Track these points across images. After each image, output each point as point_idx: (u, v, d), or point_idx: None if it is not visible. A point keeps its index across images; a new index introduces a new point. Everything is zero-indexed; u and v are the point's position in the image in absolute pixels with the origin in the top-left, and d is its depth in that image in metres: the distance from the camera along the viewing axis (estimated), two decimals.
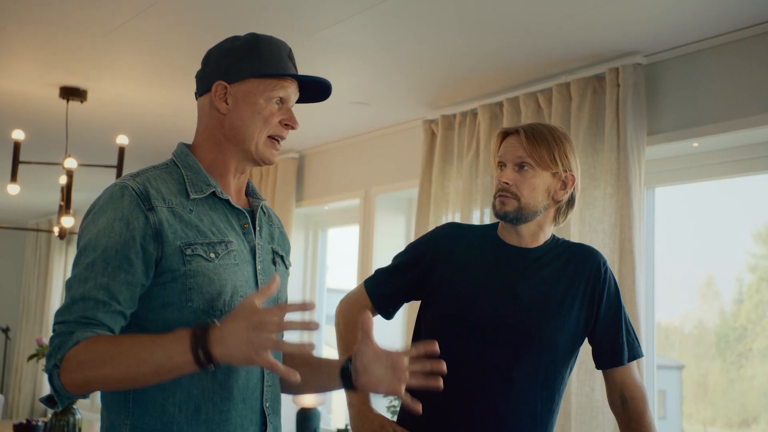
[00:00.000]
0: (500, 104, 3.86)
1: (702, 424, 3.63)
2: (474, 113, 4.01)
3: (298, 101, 1.68)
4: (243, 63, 1.58)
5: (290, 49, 1.67)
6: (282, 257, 1.70)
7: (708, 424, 3.59)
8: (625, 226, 3.19)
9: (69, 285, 1.48)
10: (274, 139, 1.61)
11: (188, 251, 1.49)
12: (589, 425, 3.21)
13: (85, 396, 1.46)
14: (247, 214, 1.62)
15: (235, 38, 1.62)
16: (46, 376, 1.46)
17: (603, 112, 3.40)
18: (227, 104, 1.58)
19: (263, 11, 3.12)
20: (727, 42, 3.09)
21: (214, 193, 1.58)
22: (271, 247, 1.67)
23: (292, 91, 1.63)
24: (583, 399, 3.24)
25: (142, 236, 1.47)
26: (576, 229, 3.37)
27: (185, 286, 1.49)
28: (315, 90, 1.69)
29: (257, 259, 1.60)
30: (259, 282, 1.59)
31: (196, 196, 1.55)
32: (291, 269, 1.86)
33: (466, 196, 3.93)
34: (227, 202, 1.59)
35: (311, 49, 3.47)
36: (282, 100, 1.61)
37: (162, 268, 1.49)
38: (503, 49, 3.38)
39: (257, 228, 1.63)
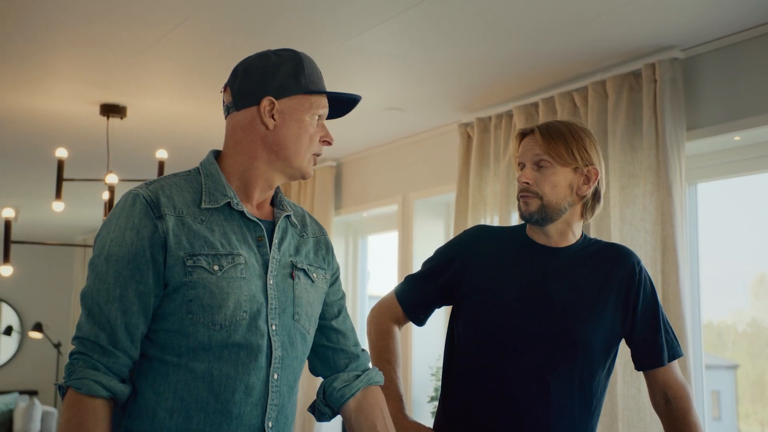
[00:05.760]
0: (535, 105, 3.83)
1: (760, 424, 3.54)
2: (509, 115, 3.98)
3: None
4: (290, 80, 1.58)
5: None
6: (304, 270, 1.64)
7: (766, 425, 3.50)
8: (667, 224, 3.14)
9: (83, 295, 1.48)
10: (315, 155, 1.62)
11: (189, 262, 1.48)
12: (637, 426, 3.16)
13: None
14: (263, 227, 1.59)
15: (276, 54, 1.61)
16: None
17: (640, 108, 3.35)
18: (274, 120, 1.57)
19: (295, 20, 3.14)
20: (767, 32, 3.02)
21: (229, 204, 1.56)
22: (291, 261, 1.62)
23: (327, 109, 1.64)
24: (629, 401, 3.19)
25: (151, 245, 1.47)
26: (617, 228, 3.32)
27: (186, 297, 1.48)
28: (338, 106, 1.69)
29: (269, 273, 1.57)
30: (269, 297, 1.55)
31: (208, 206, 1.54)
32: None
33: (504, 198, 3.91)
34: (242, 213, 1.57)
35: (343, 56, 3.49)
36: (320, 117, 1.62)
37: (166, 278, 1.48)
38: (537, 49, 3.35)
39: (274, 241, 1.60)
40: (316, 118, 1.60)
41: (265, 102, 1.57)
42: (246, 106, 1.59)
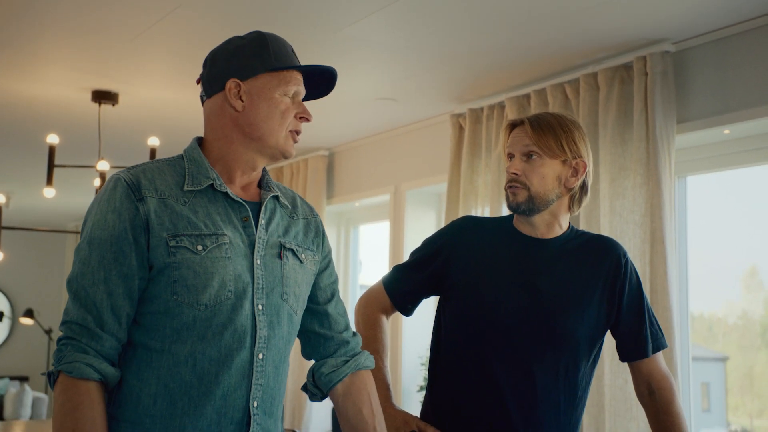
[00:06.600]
0: (527, 96, 3.84)
1: (748, 416, 3.57)
2: (501, 106, 3.99)
3: (306, 99, 1.68)
4: (253, 59, 1.58)
5: (291, 46, 1.67)
6: (293, 251, 1.63)
7: (755, 417, 3.53)
8: (656, 216, 3.16)
9: (69, 281, 1.49)
10: (293, 132, 1.62)
11: (172, 242, 1.48)
12: (623, 417, 3.19)
13: None
14: (248, 208, 1.59)
15: (240, 37, 1.62)
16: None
17: (631, 101, 3.36)
18: (242, 101, 1.58)
19: (287, 9, 3.13)
20: (758, 26, 3.04)
21: (212, 185, 1.56)
22: (279, 241, 1.62)
23: (301, 85, 1.63)
24: (616, 391, 3.22)
25: (133, 227, 1.48)
26: (606, 220, 3.34)
27: (170, 278, 1.48)
28: (320, 86, 1.69)
29: (256, 253, 1.57)
30: (255, 276, 1.55)
31: (190, 188, 1.54)
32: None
33: (495, 189, 3.92)
34: (226, 194, 1.57)
35: (336, 46, 3.48)
36: (295, 94, 1.61)
37: (150, 260, 1.49)
38: (529, 40, 3.36)
39: (261, 221, 1.60)
40: (288, 95, 1.59)
41: (231, 84, 1.57)
42: (215, 92, 1.60)
